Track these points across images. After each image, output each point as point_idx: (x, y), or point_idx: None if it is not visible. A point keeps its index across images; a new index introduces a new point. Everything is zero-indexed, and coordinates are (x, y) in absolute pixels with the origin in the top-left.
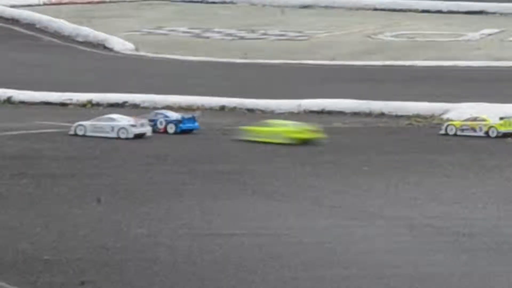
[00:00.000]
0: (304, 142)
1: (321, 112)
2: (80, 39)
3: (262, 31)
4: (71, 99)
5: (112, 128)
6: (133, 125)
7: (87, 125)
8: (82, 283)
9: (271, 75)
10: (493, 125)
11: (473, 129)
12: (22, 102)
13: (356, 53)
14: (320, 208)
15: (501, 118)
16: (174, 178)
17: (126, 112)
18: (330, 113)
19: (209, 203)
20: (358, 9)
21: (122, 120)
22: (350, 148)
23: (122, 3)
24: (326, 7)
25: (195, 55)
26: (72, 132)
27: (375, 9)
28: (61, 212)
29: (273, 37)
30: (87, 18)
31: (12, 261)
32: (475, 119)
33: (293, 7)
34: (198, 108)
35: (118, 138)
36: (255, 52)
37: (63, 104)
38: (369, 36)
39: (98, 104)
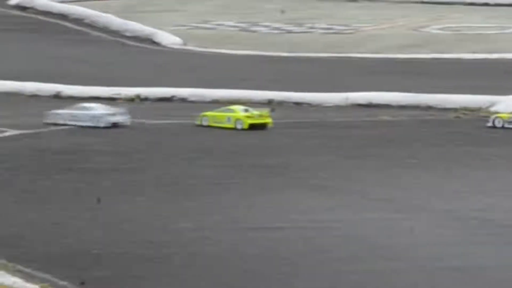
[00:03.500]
0: (254, 127)
1: (368, 105)
2: (128, 34)
3: (309, 25)
4: (119, 94)
5: (89, 116)
6: (110, 114)
7: (63, 114)
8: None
9: (318, 68)
10: None
11: None
12: (71, 97)
13: (403, 46)
14: (366, 201)
15: None
16: (218, 171)
17: (174, 106)
18: (377, 106)
19: (255, 197)
20: (404, 2)
21: (98, 108)
22: (397, 141)
23: None
24: (372, 0)
25: (242, 49)
26: (48, 121)
27: (421, 2)
28: (107, 206)
29: (320, 31)
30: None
31: (59, 255)
32: None
33: (340, 0)
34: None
35: (96, 127)
36: (301, 45)
37: (111, 99)
38: (415, 29)
39: (146, 99)
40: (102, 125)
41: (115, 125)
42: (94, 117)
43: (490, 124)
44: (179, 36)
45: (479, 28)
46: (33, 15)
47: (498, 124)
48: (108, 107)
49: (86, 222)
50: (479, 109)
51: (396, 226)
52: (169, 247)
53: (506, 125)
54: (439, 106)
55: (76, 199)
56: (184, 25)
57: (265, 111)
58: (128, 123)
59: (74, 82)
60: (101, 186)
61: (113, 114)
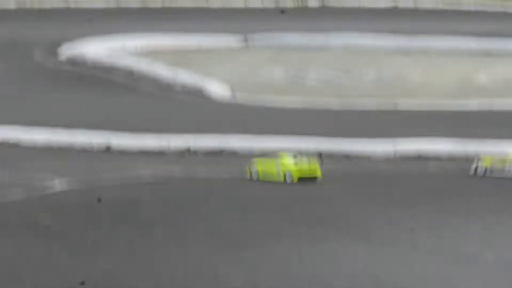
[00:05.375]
0: (303, 179)
1: (417, 156)
2: (177, 86)
3: (358, 74)
4: (168, 146)
5: None
6: None
7: None
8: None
9: (367, 119)
10: None
11: None
12: (121, 150)
13: (452, 95)
14: (416, 251)
15: None
16: (270, 222)
17: (224, 158)
18: (426, 156)
19: (306, 248)
20: (453, 52)
21: None
22: (446, 191)
23: (218, 49)
24: (421, 50)
25: (291, 100)
26: None
27: (470, 53)
28: (160, 258)
29: (369, 80)
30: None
31: None
32: None
33: (389, 50)
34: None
35: None
36: (350, 95)
37: (160, 151)
38: (464, 78)
39: (196, 151)
40: None
41: None
42: None
43: (472, 173)
44: (229, 88)
45: None
46: (83, 70)
47: (481, 172)
48: None
49: (139, 274)
50: None
51: (447, 278)
52: None
53: (488, 174)
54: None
55: (129, 251)
56: (234, 77)
57: (315, 162)
58: None
59: (124, 135)
60: (154, 238)
61: None
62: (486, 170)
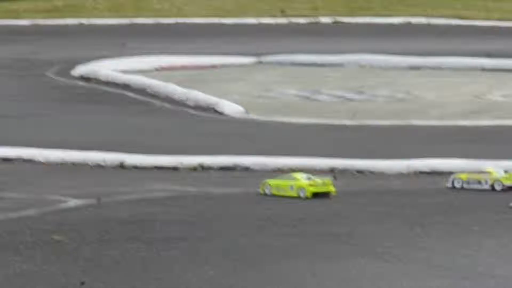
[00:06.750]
0: (317, 196)
1: (431, 173)
2: (190, 103)
3: (371, 93)
4: (182, 163)
5: None
6: None
7: None
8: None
9: (381, 136)
10: None
11: None
12: (134, 167)
13: (465, 113)
14: (430, 269)
15: None
16: (285, 240)
17: (237, 174)
18: (440, 173)
19: (320, 265)
20: (466, 69)
21: None
22: (460, 208)
23: (232, 67)
24: (434, 68)
25: (304, 117)
26: None
27: (483, 69)
28: (174, 275)
29: (382, 98)
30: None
31: None
32: None
33: (402, 68)
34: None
35: None
36: (364, 113)
37: (174, 168)
38: (477, 96)
39: (209, 168)
40: None
41: None
42: None
43: (449, 185)
44: (242, 105)
45: None
46: (97, 86)
47: (458, 184)
48: None
49: None
50: None
51: None
52: None
53: (465, 186)
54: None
55: (143, 269)
56: (247, 94)
57: (328, 179)
58: None
59: (137, 151)
60: (168, 255)
61: None
62: (463, 182)
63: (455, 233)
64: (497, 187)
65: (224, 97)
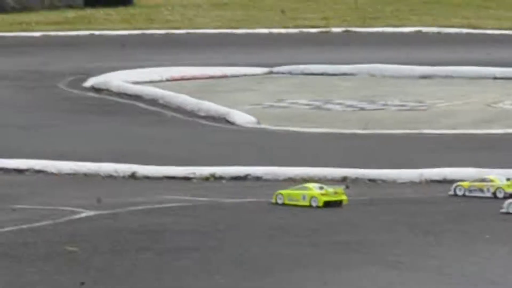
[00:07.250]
0: (329, 205)
1: (443, 181)
2: (202, 113)
3: (382, 102)
4: (194, 173)
5: None
6: None
7: None
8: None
9: (392, 145)
10: None
11: None
12: (146, 177)
13: (477, 121)
14: (441, 276)
15: None
16: (296, 249)
17: (249, 184)
18: (451, 181)
19: (331, 274)
20: (477, 78)
21: None
22: (471, 216)
23: (243, 77)
24: (445, 77)
25: (316, 127)
26: None
27: (495, 78)
28: (185, 285)
29: (393, 108)
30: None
31: None
32: None
33: (413, 77)
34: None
35: None
36: (375, 122)
37: (186, 178)
38: (489, 105)
39: (221, 177)
40: None
41: None
42: None
43: (451, 192)
44: (253, 115)
45: None
46: (108, 97)
47: (460, 192)
48: None
49: None
50: None
51: None
52: None
53: (467, 193)
54: None
55: (155, 278)
56: (259, 104)
57: (340, 188)
58: None
59: (149, 162)
60: (180, 265)
61: None
62: (465, 190)
63: (466, 241)
64: (499, 195)
65: (235, 107)
